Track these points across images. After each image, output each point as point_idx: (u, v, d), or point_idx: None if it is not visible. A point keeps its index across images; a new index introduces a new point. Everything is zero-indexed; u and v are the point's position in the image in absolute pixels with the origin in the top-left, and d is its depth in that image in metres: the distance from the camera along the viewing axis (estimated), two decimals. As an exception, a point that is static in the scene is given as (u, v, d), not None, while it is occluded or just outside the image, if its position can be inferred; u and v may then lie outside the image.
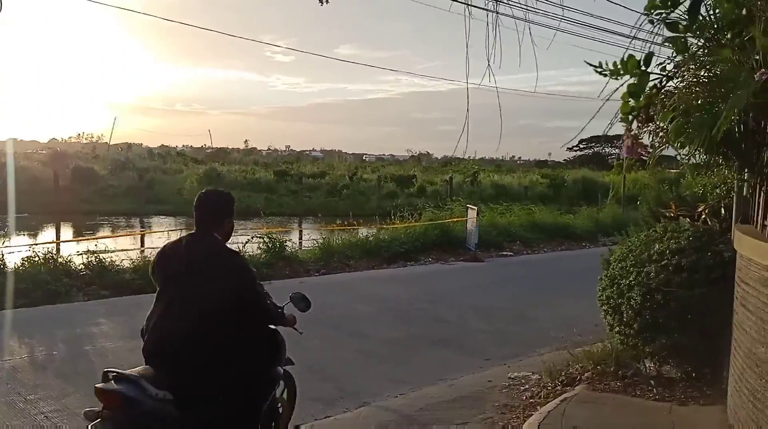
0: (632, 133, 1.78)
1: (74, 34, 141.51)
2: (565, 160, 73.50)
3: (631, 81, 1.74)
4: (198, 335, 3.08)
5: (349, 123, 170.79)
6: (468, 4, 3.46)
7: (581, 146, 74.41)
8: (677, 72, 2.21)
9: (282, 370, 3.74)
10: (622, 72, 1.74)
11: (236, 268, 3.31)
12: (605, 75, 1.75)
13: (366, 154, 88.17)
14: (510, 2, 3.55)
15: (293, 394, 4.02)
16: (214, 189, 3.64)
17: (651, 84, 1.76)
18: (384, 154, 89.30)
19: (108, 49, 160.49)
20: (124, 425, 2.86)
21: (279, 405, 3.79)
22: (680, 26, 1.82)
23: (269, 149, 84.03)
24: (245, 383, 3.26)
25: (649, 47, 1.92)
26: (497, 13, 3.25)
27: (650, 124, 1.89)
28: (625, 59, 1.72)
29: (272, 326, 3.58)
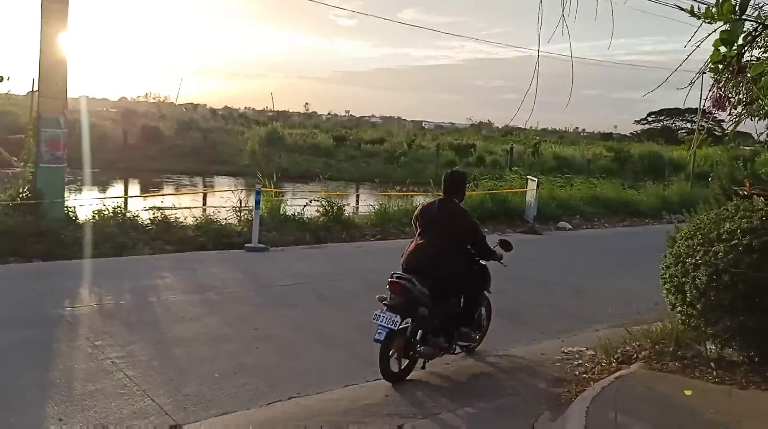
0: (720, 84, 1.66)
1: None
2: (631, 133, 71.13)
3: (724, 28, 1.61)
4: (444, 257, 5.06)
5: (409, 89, 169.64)
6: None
7: (649, 119, 71.79)
8: None
9: (486, 294, 5.71)
10: (716, 16, 1.61)
11: (467, 220, 5.34)
12: (697, 17, 1.62)
13: (425, 121, 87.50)
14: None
15: (489, 313, 5.94)
16: (456, 170, 5.76)
17: (745, 33, 1.63)
18: (443, 122, 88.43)
19: (176, 12, 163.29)
20: (403, 303, 4.76)
21: (483, 317, 5.78)
22: None
23: (329, 114, 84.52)
24: (469, 292, 5.37)
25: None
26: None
27: (740, 75, 1.75)
28: (719, 1, 1.60)
29: (483, 262, 5.57)
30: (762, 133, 6.05)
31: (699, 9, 1.63)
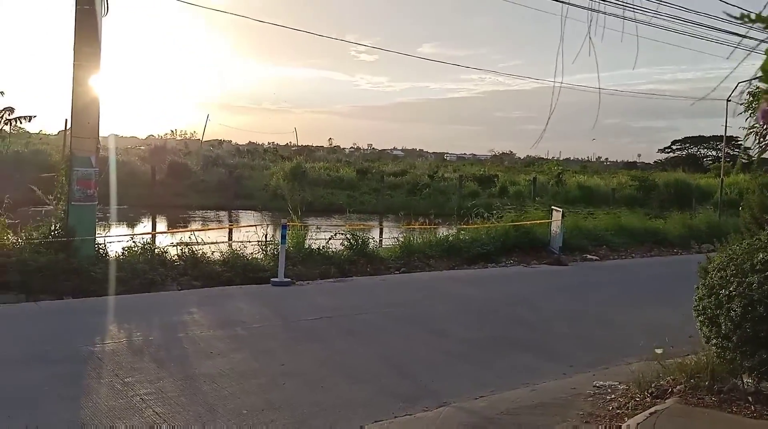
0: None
1: (167, 35, 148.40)
2: (655, 161, 70.63)
3: None
4: None
5: (430, 121, 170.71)
6: (565, 2, 3.36)
7: (674, 148, 71.21)
8: None
9: None
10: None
11: None
12: (748, 22, 1.57)
13: (447, 152, 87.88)
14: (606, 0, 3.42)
15: None
16: None
17: None
18: (465, 154, 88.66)
19: (199, 49, 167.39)
20: None
21: None
22: None
23: (352, 147, 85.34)
24: None
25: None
26: (594, 11, 3.13)
27: None
28: None
29: None
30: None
31: (750, 14, 1.58)
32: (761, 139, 5.40)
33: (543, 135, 3.65)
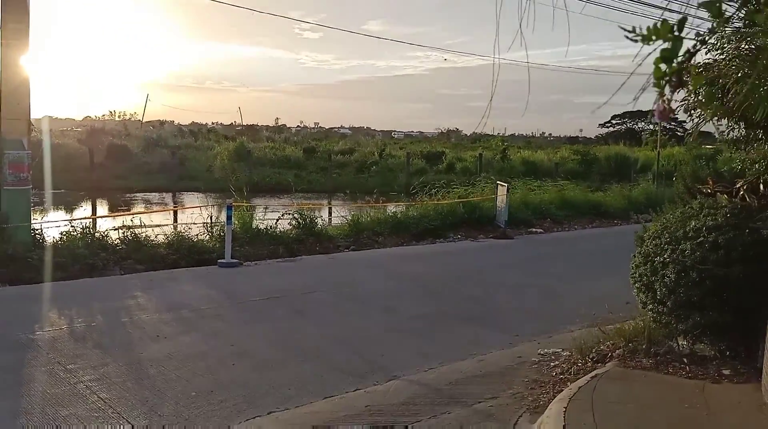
0: (664, 97, 1.76)
1: (105, 13, 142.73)
2: (597, 136, 72.29)
3: (665, 46, 1.71)
4: None
5: (377, 100, 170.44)
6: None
7: (614, 122, 73.08)
8: (711, 36, 2.15)
9: None
10: (654, 37, 1.72)
11: None
12: (636, 41, 1.73)
13: (394, 130, 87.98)
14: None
15: None
16: None
17: (684, 49, 1.74)
18: (412, 131, 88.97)
19: (138, 27, 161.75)
20: None
21: None
22: None
23: (299, 126, 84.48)
24: None
25: (685, 9, 1.90)
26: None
27: (682, 89, 1.87)
28: (658, 24, 1.70)
29: None
30: (722, 133, 6.24)
31: (640, 29, 1.73)
32: (691, 113, 5.60)
33: (488, 113, 3.69)
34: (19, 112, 9.34)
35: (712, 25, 1.93)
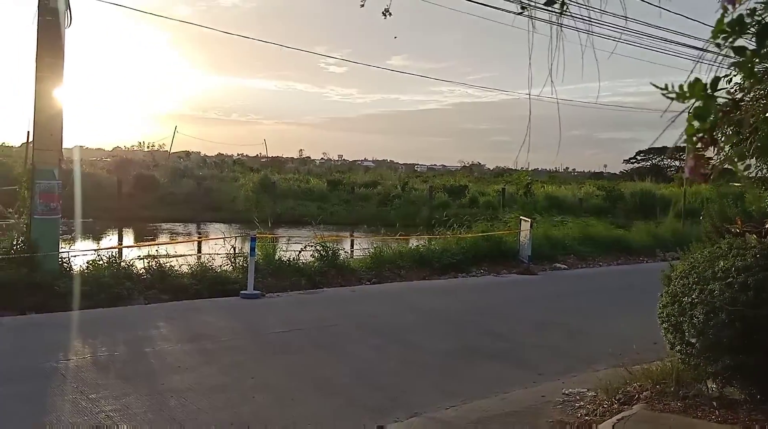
0: (696, 153, 1.76)
1: (135, 47, 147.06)
2: (621, 172, 71.88)
3: (698, 104, 1.72)
4: None
5: (400, 133, 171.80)
6: (531, 17, 3.43)
7: (638, 158, 72.63)
8: (744, 96, 2.17)
9: None
10: (688, 95, 1.73)
11: None
12: (671, 98, 1.75)
13: (417, 164, 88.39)
14: (573, 16, 3.50)
15: None
16: None
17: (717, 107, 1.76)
18: (435, 165, 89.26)
19: (169, 61, 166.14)
20: None
21: None
22: (747, 51, 1.79)
23: (323, 158, 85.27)
24: None
25: (716, 70, 1.90)
26: (560, 25, 3.20)
27: (714, 146, 1.87)
28: (691, 82, 1.72)
29: None
30: (747, 172, 6.14)
31: (672, 87, 1.75)
32: (718, 152, 5.54)
33: (523, 148, 3.70)
34: (51, 143, 9.58)
35: (742, 80, 1.95)
